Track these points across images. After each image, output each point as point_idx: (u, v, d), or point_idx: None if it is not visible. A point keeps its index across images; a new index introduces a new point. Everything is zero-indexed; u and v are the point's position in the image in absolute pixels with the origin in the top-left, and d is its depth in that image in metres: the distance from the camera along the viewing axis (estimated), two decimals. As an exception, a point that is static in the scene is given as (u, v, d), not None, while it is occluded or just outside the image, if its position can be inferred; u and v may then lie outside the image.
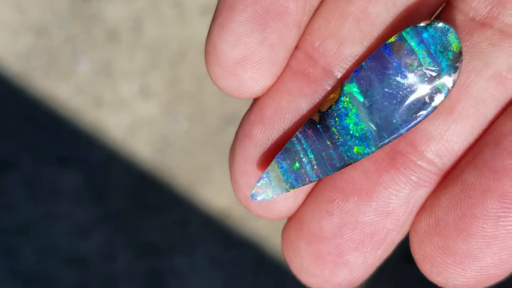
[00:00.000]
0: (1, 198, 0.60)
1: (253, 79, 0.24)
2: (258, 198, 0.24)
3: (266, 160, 0.25)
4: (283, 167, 0.24)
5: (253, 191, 0.24)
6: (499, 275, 0.23)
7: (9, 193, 0.60)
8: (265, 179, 0.24)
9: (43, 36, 0.62)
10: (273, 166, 0.24)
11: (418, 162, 0.24)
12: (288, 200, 0.25)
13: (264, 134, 0.25)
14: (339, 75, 0.24)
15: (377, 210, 0.24)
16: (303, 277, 0.25)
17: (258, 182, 0.24)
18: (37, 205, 0.60)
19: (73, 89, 0.62)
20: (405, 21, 0.24)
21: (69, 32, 0.62)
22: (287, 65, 0.25)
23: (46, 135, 0.61)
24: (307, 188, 0.25)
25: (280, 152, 0.24)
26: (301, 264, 0.25)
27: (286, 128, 0.25)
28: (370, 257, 0.24)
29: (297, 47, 0.25)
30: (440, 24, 0.23)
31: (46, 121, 0.61)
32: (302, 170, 0.24)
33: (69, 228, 0.60)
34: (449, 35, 0.23)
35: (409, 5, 0.24)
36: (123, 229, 0.60)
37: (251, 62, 0.24)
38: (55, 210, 0.60)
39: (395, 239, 0.24)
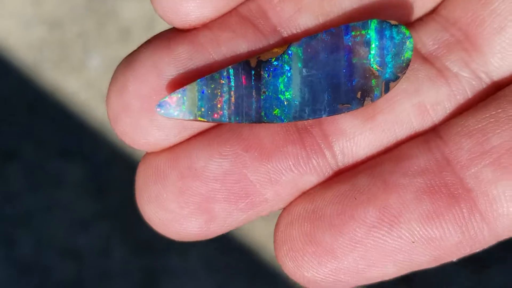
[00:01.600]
0: (3, 187, 0.60)
1: (195, 1, 0.23)
2: (162, 111, 0.23)
3: (178, 78, 0.23)
4: (203, 91, 0.23)
5: (164, 100, 0.23)
6: (348, 283, 0.23)
7: (11, 183, 0.60)
8: (179, 95, 0.23)
9: (57, 29, 0.62)
10: (193, 86, 0.23)
11: (324, 150, 0.24)
12: (169, 131, 0.24)
13: (187, 54, 0.23)
14: (286, 36, 0.24)
15: (267, 174, 0.24)
16: (153, 208, 0.24)
17: (170, 94, 0.23)
18: (38, 196, 0.60)
19: (83, 83, 0.62)
20: (361, 19, 0.24)
21: (82, 27, 0.62)
22: (236, 9, 0.24)
23: (52, 127, 0.61)
24: (195, 129, 0.24)
25: (205, 77, 0.23)
26: (159, 193, 0.24)
27: (216, 61, 0.24)
28: (234, 217, 0.24)
29: (252, 0, 0.24)
30: (405, 30, 0.23)
31: (53, 113, 0.61)
32: (219, 105, 0.23)
33: (68, 220, 0.60)
34: (407, 43, 0.23)
35: (373, 7, 0.24)
36: (121, 226, 0.60)
37: None
38: (55, 202, 0.60)
39: (264, 210, 0.24)
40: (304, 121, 0.24)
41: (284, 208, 0.24)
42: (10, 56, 0.62)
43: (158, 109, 0.23)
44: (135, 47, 0.24)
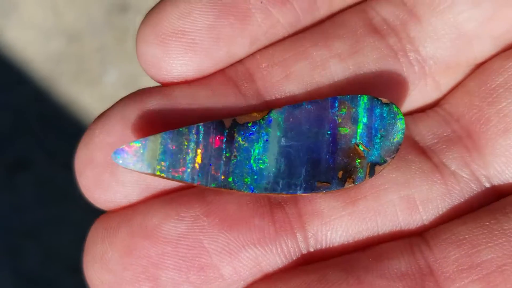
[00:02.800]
0: (13, 198, 0.60)
1: (180, 59, 0.22)
2: (119, 159, 0.21)
3: (145, 131, 0.21)
4: (166, 145, 0.21)
5: (120, 148, 0.21)
6: None
7: (21, 194, 0.60)
8: (140, 145, 0.21)
9: (75, 42, 0.63)
10: (156, 138, 0.21)
11: (295, 231, 0.22)
12: (131, 189, 0.22)
13: (159, 107, 0.22)
14: (269, 101, 0.22)
15: (227, 246, 0.21)
16: (96, 269, 0.21)
17: (130, 143, 0.21)
18: (47, 209, 0.60)
19: (98, 98, 0.62)
20: (355, 94, 0.22)
21: (101, 41, 0.62)
22: (222, 70, 0.23)
23: (65, 140, 0.61)
24: (159, 190, 0.22)
25: (171, 131, 0.21)
26: (104, 252, 0.21)
27: (188, 116, 0.22)
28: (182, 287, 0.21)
29: (240, 62, 0.23)
30: (397, 110, 0.22)
31: (67, 126, 0.61)
32: (182, 161, 0.21)
33: (76, 234, 0.60)
34: (398, 124, 0.22)
35: (365, 86, 0.23)
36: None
37: (189, 39, 0.22)
38: (65, 215, 0.60)
39: None
40: (278, 195, 0.22)
41: None
42: (27, 67, 0.62)
43: (114, 157, 0.21)
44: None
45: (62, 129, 0.61)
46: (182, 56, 0.22)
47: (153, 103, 0.22)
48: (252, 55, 0.23)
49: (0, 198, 0.60)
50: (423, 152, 0.23)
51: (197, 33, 0.22)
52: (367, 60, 0.23)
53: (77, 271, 0.59)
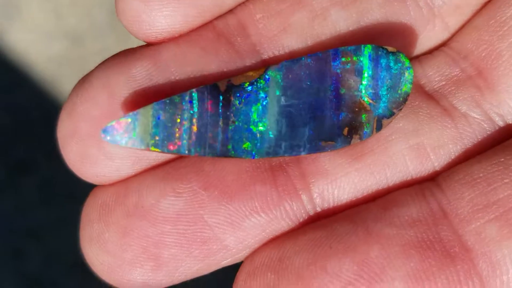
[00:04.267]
0: (16, 200, 0.60)
1: (162, 10, 0.20)
2: (108, 137, 0.19)
3: (133, 100, 0.20)
4: (159, 117, 0.19)
5: (109, 125, 0.19)
6: None
7: (24, 195, 0.60)
8: (130, 120, 0.19)
9: (78, 45, 0.63)
10: (147, 111, 0.19)
11: (300, 192, 0.20)
12: (121, 162, 0.20)
13: (146, 73, 0.20)
14: (266, 58, 0.21)
15: (229, 218, 0.20)
16: (94, 249, 0.20)
17: (119, 118, 0.19)
18: (50, 210, 0.60)
19: (100, 100, 0.62)
20: (360, 43, 0.21)
21: (103, 44, 0.62)
22: (211, 23, 0.21)
23: (68, 142, 0.61)
24: (152, 161, 0.20)
25: (162, 100, 0.19)
26: (101, 232, 0.20)
27: (178, 81, 0.20)
28: (187, 266, 0.20)
29: (231, 12, 0.21)
30: (404, 59, 0.20)
31: (69, 128, 0.61)
32: (177, 134, 0.19)
33: (78, 236, 0.60)
34: (406, 74, 0.20)
35: (371, 32, 0.21)
36: (131, 244, 0.60)
37: None
38: (67, 216, 0.60)
39: (225, 259, 0.20)
40: (280, 157, 0.20)
41: (248, 255, 0.20)
42: (30, 69, 0.62)
43: (103, 135, 0.19)
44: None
45: (65, 131, 0.61)
46: (165, 6, 0.20)
47: (139, 68, 0.20)
48: (244, 3, 0.21)
49: (3, 199, 0.60)
50: (430, 96, 0.22)
51: None
52: (371, 5, 0.21)
53: (79, 272, 0.59)
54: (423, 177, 0.21)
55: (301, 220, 0.20)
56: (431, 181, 0.21)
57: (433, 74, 0.22)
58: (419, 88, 0.22)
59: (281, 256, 0.20)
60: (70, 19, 0.63)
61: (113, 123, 0.19)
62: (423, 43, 0.22)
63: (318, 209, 0.21)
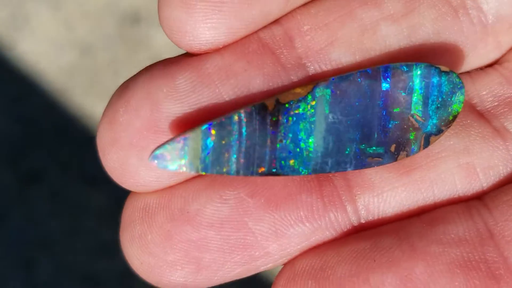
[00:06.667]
0: (27, 210, 0.60)
1: (207, 21, 0.19)
2: (158, 163, 0.19)
3: (177, 114, 0.20)
4: (207, 141, 0.19)
5: (159, 152, 0.19)
6: None
7: (35, 206, 0.60)
8: (181, 145, 0.19)
9: (88, 55, 0.63)
10: (197, 134, 0.19)
11: (345, 204, 0.20)
12: (161, 173, 0.20)
13: (190, 85, 0.20)
14: (312, 73, 0.20)
15: (273, 226, 0.20)
16: (135, 249, 0.20)
17: (168, 143, 0.19)
18: (61, 221, 0.60)
19: (111, 110, 0.62)
20: (406, 61, 0.21)
21: (113, 54, 0.63)
22: (257, 34, 0.20)
23: (79, 152, 0.61)
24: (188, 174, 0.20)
25: (211, 122, 0.19)
26: (143, 233, 0.20)
27: (222, 95, 0.20)
28: (227, 269, 0.20)
29: (277, 22, 0.20)
30: (456, 79, 0.20)
31: (80, 138, 0.61)
32: (226, 156, 0.19)
33: (89, 247, 0.60)
34: (458, 94, 0.20)
35: (422, 49, 0.21)
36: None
37: None
38: (78, 227, 0.60)
39: (265, 265, 0.20)
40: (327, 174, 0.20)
41: (289, 260, 0.20)
42: (40, 80, 0.62)
43: (153, 162, 0.19)
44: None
45: (75, 141, 0.61)
46: (209, 18, 0.19)
47: (183, 79, 0.20)
48: (290, 13, 0.20)
49: (13, 209, 0.60)
50: (482, 115, 0.21)
51: None
52: (423, 20, 0.21)
53: (91, 283, 0.59)
54: (470, 196, 0.21)
55: (345, 230, 0.20)
56: (477, 200, 0.20)
57: (486, 94, 0.21)
58: (470, 107, 0.21)
59: (323, 265, 0.20)
60: (80, 29, 0.63)
61: (163, 151, 0.19)
62: (474, 61, 0.22)
63: (363, 221, 0.20)
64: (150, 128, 0.20)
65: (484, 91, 0.21)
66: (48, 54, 0.63)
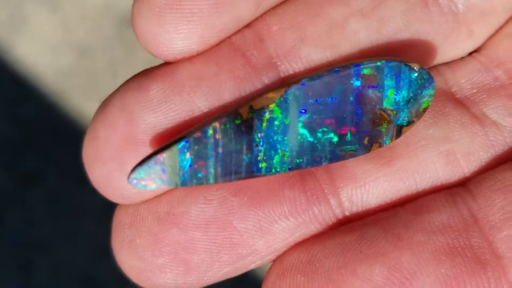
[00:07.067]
0: (24, 212, 0.60)
1: (179, 31, 0.20)
2: (136, 183, 0.19)
3: (151, 123, 0.20)
4: (184, 157, 0.19)
5: (136, 175, 0.19)
6: None
7: (33, 208, 0.60)
8: (157, 167, 0.19)
9: (86, 57, 0.63)
10: (173, 152, 0.19)
11: (328, 197, 0.21)
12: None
13: (162, 95, 0.20)
14: (283, 73, 0.20)
15: (258, 223, 0.20)
16: (126, 254, 0.21)
17: (146, 165, 0.19)
18: (59, 223, 0.60)
19: (109, 112, 0.62)
20: (379, 55, 0.21)
21: (111, 56, 0.63)
22: (229, 38, 0.20)
23: (76, 154, 0.61)
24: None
25: (188, 139, 0.19)
26: (133, 238, 0.21)
27: (195, 101, 0.20)
28: (215, 270, 0.20)
29: (248, 26, 0.21)
30: (427, 75, 0.20)
31: (78, 140, 0.61)
32: (203, 169, 0.20)
33: (87, 248, 0.60)
34: (429, 89, 0.20)
35: (393, 42, 0.21)
36: (140, 257, 0.60)
37: (186, 9, 0.20)
38: (76, 229, 0.60)
39: (253, 262, 0.21)
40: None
41: (277, 257, 0.21)
42: (38, 82, 0.62)
43: (132, 182, 0.20)
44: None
45: (73, 143, 0.61)
46: (180, 28, 0.20)
47: (155, 89, 0.20)
48: (261, 17, 0.21)
49: (11, 212, 0.60)
50: (461, 103, 0.21)
51: (193, 1, 0.20)
52: (393, 12, 0.21)
53: (88, 286, 0.59)
54: (453, 183, 0.21)
55: (330, 223, 0.21)
56: (461, 187, 0.21)
57: (465, 82, 0.22)
58: (449, 95, 0.22)
59: (310, 259, 0.20)
60: (78, 31, 0.63)
61: (141, 173, 0.19)
62: (448, 52, 0.22)
63: (347, 213, 0.21)
64: (128, 141, 0.20)
65: (463, 80, 0.22)
66: (46, 56, 0.63)
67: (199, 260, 0.20)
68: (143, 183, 0.20)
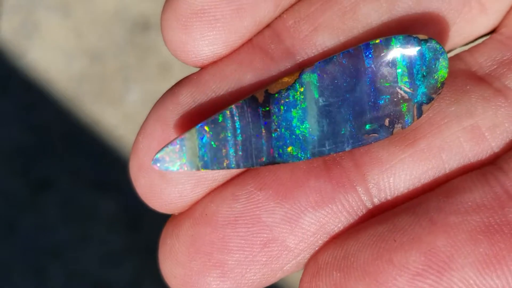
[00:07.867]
0: (37, 218, 0.60)
1: (204, 38, 0.20)
2: (159, 165, 0.20)
3: (183, 124, 0.21)
4: (203, 138, 0.20)
5: (158, 155, 0.20)
6: None
7: (45, 213, 0.60)
8: (178, 146, 0.20)
9: (98, 62, 0.63)
10: (192, 134, 0.20)
11: (355, 184, 0.20)
12: (182, 188, 0.21)
13: (190, 97, 0.21)
14: (300, 61, 0.21)
15: (285, 216, 0.20)
16: (168, 264, 0.21)
17: (167, 146, 0.20)
18: (71, 228, 0.60)
19: (121, 117, 0.62)
20: (393, 34, 0.21)
21: (123, 61, 0.63)
22: (250, 41, 0.21)
23: (89, 160, 0.61)
24: (217, 181, 0.21)
25: (205, 121, 0.20)
26: (173, 245, 0.21)
27: (220, 96, 0.21)
28: (252, 271, 0.20)
29: (268, 26, 0.21)
30: (436, 45, 0.20)
31: (90, 146, 0.62)
32: (223, 151, 0.20)
33: (100, 254, 0.60)
34: (440, 60, 0.20)
35: (404, 21, 0.21)
36: (153, 261, 0.60)
37: (210, 16, 0.20)
38: (88, 234, 0.60)
39: (289, 263, 0.20)
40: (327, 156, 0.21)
41: (311, 256, 0.20)
42: (50, 87, 0.62)
43: (155, 165, 0.20)
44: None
45: (85, 149, 0.62)
46: (206, 35, 0.21)
47: (184, 94, 0.21)
48: (279, 16, 0.21)
49: (24, 217, 0.60)
50: (482, 79, 0.21)
51: (216, 8, 0.20)
52: None
53: (101, 290, 0.59)
54: (482, 161, 0.20)
55: (359, 213, 0.20)
56: (491, 165, 0.20)
57: (484, 61, 0.21)
58: (470, 74, 0.21)
59: (345, 254, 0.19)
60: (90, 37, 0.63)
61: (162, 153, 0.20)
62: (465, 29, 0.22)
63: (376, 200, 0.20)
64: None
65: (482, 58, 0.21)
66: (58, 62, 0.63)
67: (234, 261, 0.20)
68: (164, 164, 0.20)
